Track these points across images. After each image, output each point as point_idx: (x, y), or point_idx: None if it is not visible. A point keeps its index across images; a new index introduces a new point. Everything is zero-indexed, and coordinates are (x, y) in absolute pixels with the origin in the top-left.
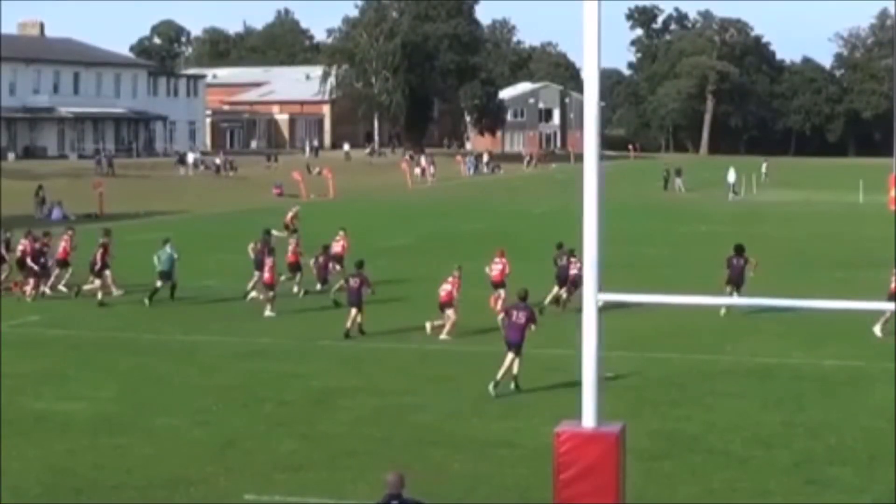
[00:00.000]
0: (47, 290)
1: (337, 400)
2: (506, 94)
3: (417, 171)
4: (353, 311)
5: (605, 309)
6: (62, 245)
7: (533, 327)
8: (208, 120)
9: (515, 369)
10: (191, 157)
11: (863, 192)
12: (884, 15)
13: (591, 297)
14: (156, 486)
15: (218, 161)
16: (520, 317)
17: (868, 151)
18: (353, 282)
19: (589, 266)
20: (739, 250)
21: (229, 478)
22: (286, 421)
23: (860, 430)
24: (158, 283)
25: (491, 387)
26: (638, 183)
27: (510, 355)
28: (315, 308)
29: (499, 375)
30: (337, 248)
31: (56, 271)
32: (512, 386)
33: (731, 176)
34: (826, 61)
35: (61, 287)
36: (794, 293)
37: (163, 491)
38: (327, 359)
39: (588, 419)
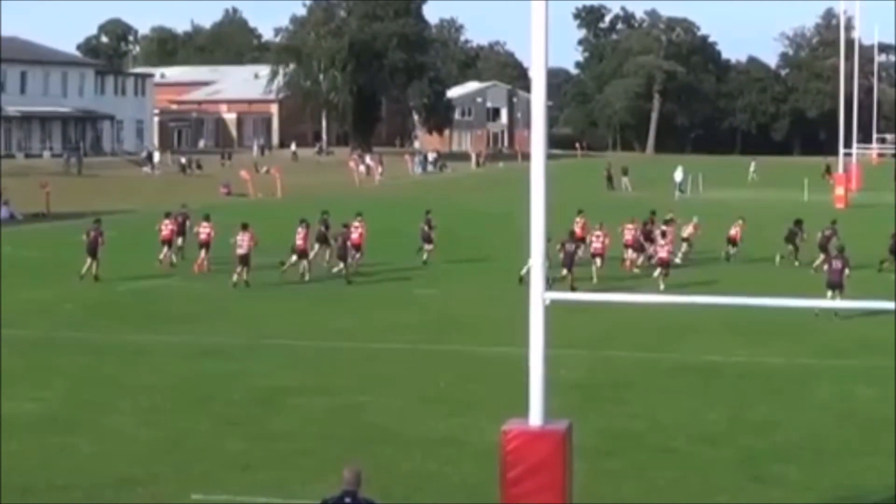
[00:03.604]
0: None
1: (286, 399)
2: (454, 93)
3: (364, 169)
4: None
5: (552, 307)
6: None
7: (847, 271)
8: (156, 119)
9: (837, 304)
10: (157, 156)
11: (808, 190)
12: (829, 15)
13: (538, 296)
14: (103, 486)
15: (183, 160)
16: (837, 264)
17: (813, 150)
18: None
19: (535, 265)
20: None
21: (177, 478)
22: (235, 420)
23: (805, 427)
24: None
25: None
26: (585, 182)
27: (830, 293)
28: (265, 307)
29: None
30: (578, 230)
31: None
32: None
33: (679, 174)
34: (772, 61)
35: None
36: (742, 290)
37: (110, 491)
38: (277, 358)
39: (535, 417)
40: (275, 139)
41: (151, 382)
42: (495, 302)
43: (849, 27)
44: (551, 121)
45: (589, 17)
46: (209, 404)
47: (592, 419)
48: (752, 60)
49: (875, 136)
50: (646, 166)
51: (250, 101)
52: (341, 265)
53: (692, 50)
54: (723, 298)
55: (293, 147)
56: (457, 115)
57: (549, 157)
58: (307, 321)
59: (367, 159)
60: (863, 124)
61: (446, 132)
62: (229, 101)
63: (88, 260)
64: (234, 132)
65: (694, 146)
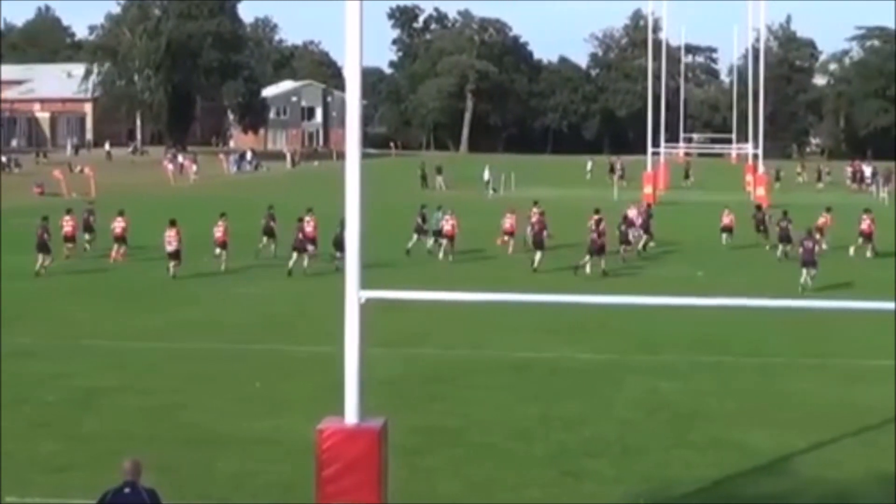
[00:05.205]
0: None
1: (101, 400)
2: (269, 92)
3: (178, 168)
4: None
5: (367, 305)
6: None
7: (817, 249)
8: None
9: (810, 282)
10: None
11: (617, 188)
12: (637, 16)
13: (353, 295)
14: None
15: (3, 159)
16: (808, 245)
17: (622, 149)
18: None
19: (351, 263)
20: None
21: None
22: (48, 422)
23: (615, 421)
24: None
25: (801, 289)
26: (400, 180)
27: (804, 270)
28: (85, 307)
29: (802, 280)
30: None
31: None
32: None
33: (486, 174)
34: (582, 61)
35: None
36: (552, 287)
37: None
38: (91, 358)
39: (350, 415)
40: (89, 138)
41: None
42: (315, 301)
43: (656, 28)
44: (366, 120)
45: (403, 17)
46: (22, 406)
47: (408, 417)
48: (563, 61)
49: (682, 135)
50: (459, 165)
51: (64, 100)
52: (295, 257)
53: (504, 50)
54: (545, 297)
55: (107, 146)
56: (272, 114)
57: (365, 156)
58: (127, 321)
59: (181, 158)
60: (670, 124)
61: (261, 131)
62: (42, 100)
63: (40, 256)
64: (47, 131)
65: (507, 145)
